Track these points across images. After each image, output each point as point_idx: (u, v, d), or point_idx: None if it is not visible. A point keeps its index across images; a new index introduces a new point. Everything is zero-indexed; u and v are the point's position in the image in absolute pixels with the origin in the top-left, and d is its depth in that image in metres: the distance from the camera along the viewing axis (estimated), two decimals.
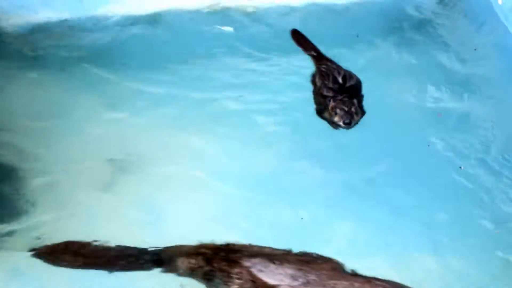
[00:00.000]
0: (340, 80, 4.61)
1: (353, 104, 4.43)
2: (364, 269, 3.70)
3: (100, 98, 4.83)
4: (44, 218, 4.13)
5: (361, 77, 4.82)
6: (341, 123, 4.41)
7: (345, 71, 4.69)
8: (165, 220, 4.15)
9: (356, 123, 4.47)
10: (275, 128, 4.68)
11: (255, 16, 5.41)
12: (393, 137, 4.57)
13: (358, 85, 4.65)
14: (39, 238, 4.02)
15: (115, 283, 3.83)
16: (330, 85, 4.59)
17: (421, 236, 4.12)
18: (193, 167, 4.43)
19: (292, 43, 5.14)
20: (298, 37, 5.08)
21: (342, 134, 4.56)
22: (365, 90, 4.78)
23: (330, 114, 4.49)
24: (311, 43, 5.01)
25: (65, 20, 5.27)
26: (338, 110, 4.42)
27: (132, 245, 3.97)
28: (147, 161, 4.48)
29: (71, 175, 4.38)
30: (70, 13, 5.29)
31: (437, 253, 4.03)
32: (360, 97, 4.59)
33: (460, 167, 4.41)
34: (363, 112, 4.54)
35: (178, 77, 4.98)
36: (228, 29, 5.23)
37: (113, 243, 3.99)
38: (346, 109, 4.39)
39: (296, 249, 3.84)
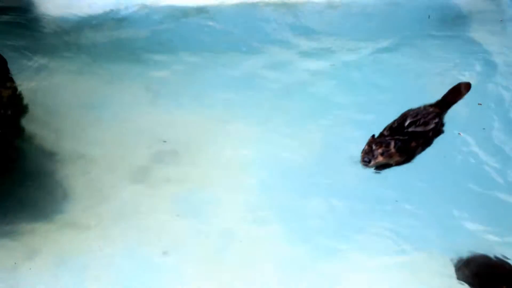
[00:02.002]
0: (406, 122, 4.32)
1: (387, 145, 4.15)
2: None
3: (143, 88, 4.81)
4: (79, 204, 4.14)
5: None
6: (360, 160, 4.17)
7: (429, 119, 4.32)
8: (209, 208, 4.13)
9: (387, 166, 4.21)
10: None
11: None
12: None
13: (424, 135, 4.29)
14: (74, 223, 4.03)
15: None
16: (395, 124, 4.33)
17: None
18: (235, 157, 4.39)
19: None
20: (461, 89, 4.64)
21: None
22: None
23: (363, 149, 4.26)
24: (459, 99, 4.58)
25: (111, 11, 5.26)
26: (366, 147, 4.18)
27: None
28: (188, 151, 4.44)
29: (110, 163, 4.36)
30: (115, 4, 5.27)
31: None
32: (413, 145, 4.25)
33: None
34: (407, 158, 4.24)
35: (224, 67, 4.91)
36: None
37: (151, 233, 3.98)
38: (373, 147, 4.14)
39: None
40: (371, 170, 4.19)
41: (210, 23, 5.22)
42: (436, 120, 4.33)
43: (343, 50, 5.05)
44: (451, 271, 3.82)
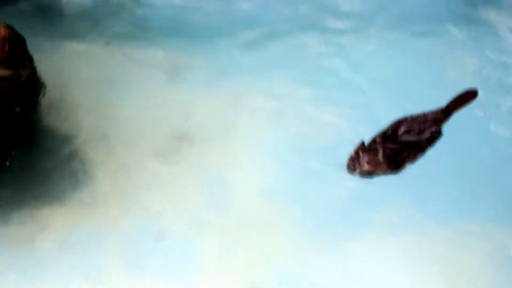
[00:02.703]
0: (400, 131, 4.17)
1: (375, 153, 4.04)
2: None
3: (162, 70, 4.82)
4: (100, 185, 4.18)
5: None
6: (346, 166, 4.07)
7: (426, 127, 4.20)
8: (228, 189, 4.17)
9: (373, 174, 4.06)
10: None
11: None
12: None
13: (418, 145, 4.14)
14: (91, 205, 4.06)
15: None
16: (389, 132, 4.18)
17: None
18: (255, 140, 4.41)
19: None
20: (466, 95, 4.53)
21: None
22: None
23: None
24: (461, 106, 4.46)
25: None
26: (353, 153, 4.08)
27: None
28: (207, 134, 4.48)
29: (131, 141, 4.41)
30: None
31: None
32: (405, 155, 4.10)
33: None
34: (395, 168, 4.08)
35: (244, 50, 4.90)
36: None
37: (171, 212, 4.03)
38: (360, 155, 4.04)
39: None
40: None
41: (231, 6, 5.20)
42: (433, 129, 4.19)
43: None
44: None
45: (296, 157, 4.31)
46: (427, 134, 4.15)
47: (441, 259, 3.91)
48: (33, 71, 4.55)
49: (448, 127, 4.24)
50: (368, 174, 4.04)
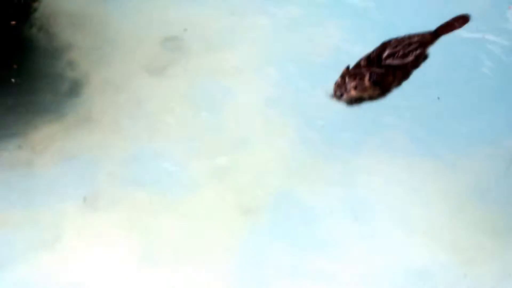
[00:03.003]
0: (385, 54, 4.07)
1: (361, 78, 3.90)
2: None
3: None
4: (93, 98, 4.11)
5: None
6: (333, 94, 3.93)
7: (410, 50, 4.10)
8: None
9: (360, 101, 3.94)
10: None
11: None
12: None
13: (403, 68, 4.05)
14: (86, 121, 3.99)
15: None
16: (373, 55, 4.07)
17: None
18: (250, 53, 4.28)
19: None
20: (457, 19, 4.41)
21: None
22: None
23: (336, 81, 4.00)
24: (452, 29, 4.35)
25: None
26: (339, 79, 3.93)
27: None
28: (204, 43, 4.36)
29: (125, 55, 4.31)
30: None
31: None
32: (391, 79, 4.00)
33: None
34: (381, 93, 3.97)
35: None
36: None
37: (163, 128, 3.95)
38: (346, 80, 3.90)
39: None
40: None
41: None
42: (417, 52, 4.11)
43: None
44: None
45: (297, 70, 4.18)
46: (411, 57, 4.08)
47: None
48: None
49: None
50: (355, 100, 3.94)
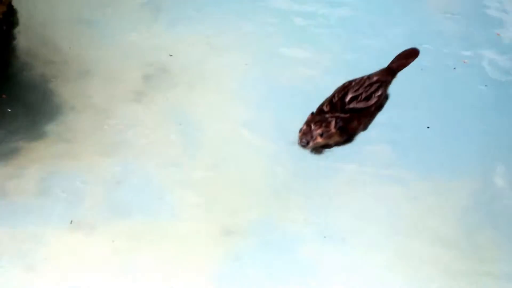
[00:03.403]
0: (347, 97, 3.96)
1: (327, 125, 3.81)
2: None
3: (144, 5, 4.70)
4: (78, 121, 4.09)
5: None
6: (298, 141, 3.82)
7: (372, 91, 4.01)
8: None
9: (325, 147, 3.90)
10: None
11: None
12: None
13: (367, 111, 3.98)
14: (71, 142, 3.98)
15: None
16: (335, 99, 3.97)
17: None
18: (227, 82, 4.32)
19: None
20: (409, 53, 4.38)
21: None
22: None
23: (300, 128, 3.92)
24: (406, 64, 4.32)
25: None
26: (305, 127, 3.84)
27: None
28: (184, 72, 4.38)
29: (107, 80, 4.29)
30: None
31: None
32: (356, 124, 3.93)
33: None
34: (347, 139, 3.93)
35: None
36: None
37: (145, 153, 3.95)
38: (312, 127, 3.79)
39: None
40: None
41: None
42: (379, 93, 4.02)
43: None
44: None
45: (276, 95, 4.22)
46: (374, 99, 3.99)
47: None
48: (10, 8, 4.44)
49: None
50: (321, 147, 3.89)
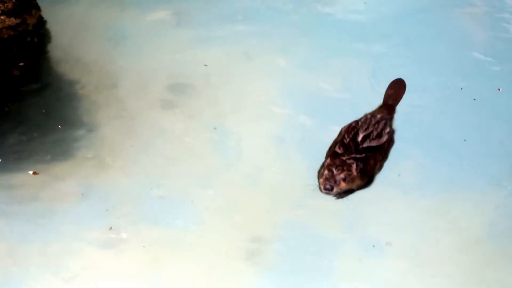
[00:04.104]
0: (360, 137, 3.87)
1: (349, 169, 3.69)
2: None
3: (168, 16, 4.72)
4: (104, 135, 4.08)
5: None
6: (321, 187, 3.70)
7: (381, 128, 3.93)
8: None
9: (349, 193, 3.76)
10: None
11: None
12: None
13: (381, 149, 3.89)
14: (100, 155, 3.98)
15: None
16: (347, 140, 3.86)
17: None
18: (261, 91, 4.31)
19: None
20: (397, 85, 4.32)
21: None
22: None
23: (320, 173, 3.80)
24: (402, 95, 4.27)
25: None
26: (326, 171, 3.70)
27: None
28: (210, 83, 4.37)
29: (135, 93, 4.30)
30: None
31: None
32: (372, 164, 3.83)
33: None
34: (368, 181, 3.82)
35: None
36: None
37: (174, 164, 3.93)
38: (334, 172, 3.67)
39: None
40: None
41: None
42: (388, 130, 3.96)
43: None
44: None
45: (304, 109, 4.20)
46: (385, 136, 3.92)
47: None
48: (40, 19, 4.45)
49: None
50: (344, 193, 3.76)
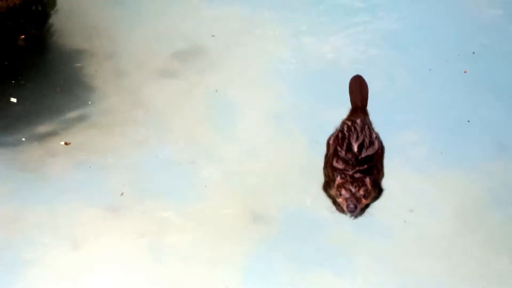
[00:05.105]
0: (355, 148, 3.71)
1: (364, 184, 3.56)
2: None
3: None
4: (108, 103, 4.19)
5: None
6: (344, 208, 3.56)
7: (369, 135, 3.80)
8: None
9: (365, 208, 3.66)
10: None
11: None
12: None
13: (377, 155, 3.77)
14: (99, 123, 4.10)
15: None
16: (343, 153, 3.70)
17: None
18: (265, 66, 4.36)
19: None
20: (357, 84, 4.14)
21: None
22: None
23: (335, 194, 3.63)
24: (366, 92, 4.11)
25: None
26: (343, 191, 3.55)
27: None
28: (217, 49, 4.41)
29: (140, 60, 4.37)
30: None
31: None
32: (376, 173, 3.73)
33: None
34: (379, 191, 3.72)
35: None
36: None
37: (174, 133, 4.04)
38: (353, 190, 3.54)
39: None
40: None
41: None
42: (375, 134, 3.84)
43: None
44: None
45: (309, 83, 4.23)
46: (376, 141, 3.80)
47: None
48: None
49: None
50: (362, 210, 3.65)
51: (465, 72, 4.25)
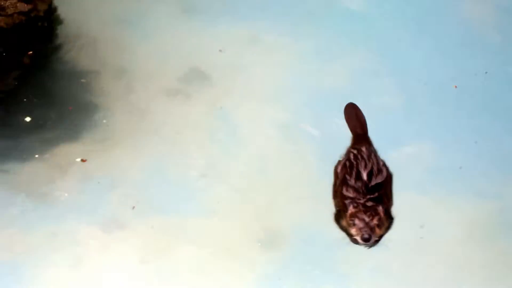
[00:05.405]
0: (364, 176, 3.69)
1: (377, 213, 3.53)
2: None
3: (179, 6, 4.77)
4: (114, 121, 4.19)
5: None
6: (358, 238, 3.52)
7: (377, 162, 3.77)
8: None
9: (379, 238, 3.58)
10: None
11: None
12: None
13: (386, 183, 3.74)
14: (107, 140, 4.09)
15: None
16: (352, 182, 3.68)
17: None
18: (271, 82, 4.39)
19: None
20: (352, 110, 4.16)
21: None
22: None
23: (347, 223, 3.58)
24: (363, 118, 4.12)
25: None
26: (356, 221, 3.51)
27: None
28: (221, 72, 4.43)
29: (145, 80, 4.38)
30: None
31: None
32: (386, 201, 3.69)
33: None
34: (390, 220, 3.66)
35: None
36: None
37: (182, 153, 4.04)
38: (366, 220, 3.50)
39: None
40: None
41: None
42: (382, 161, 3.83)
43: None
44: None
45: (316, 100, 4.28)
46: (384, 169, 3.78)
47: None
48: (51, 5, 4.51)
49: None
50: (376, 241, 3.61)
51: (455, 87, 4.33)
